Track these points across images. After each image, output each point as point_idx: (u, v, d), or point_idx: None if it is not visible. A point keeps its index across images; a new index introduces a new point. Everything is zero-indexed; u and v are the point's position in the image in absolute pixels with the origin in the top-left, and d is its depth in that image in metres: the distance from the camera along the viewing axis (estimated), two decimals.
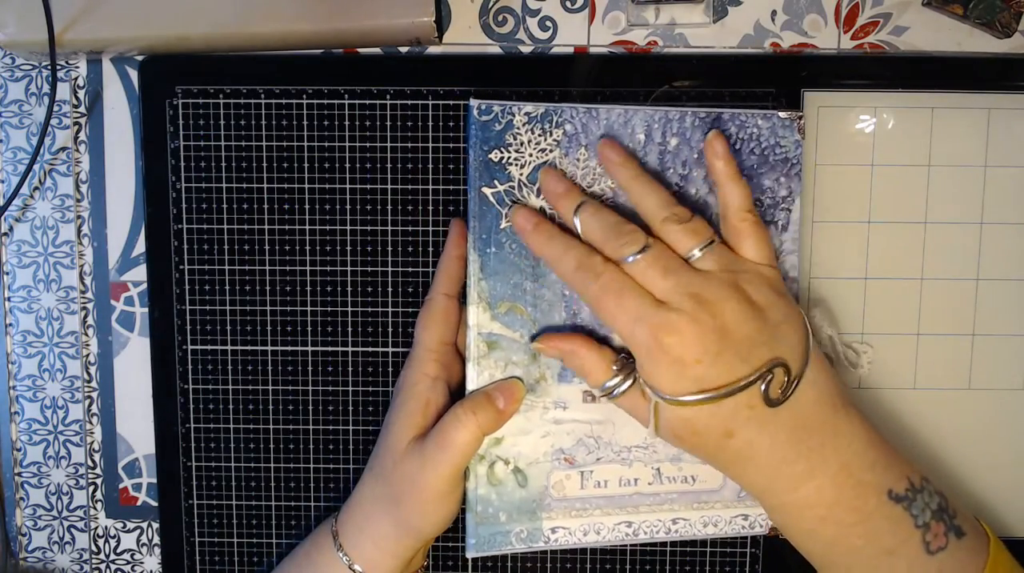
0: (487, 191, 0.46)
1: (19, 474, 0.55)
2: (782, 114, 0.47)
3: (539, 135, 0.46)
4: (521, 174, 0.46)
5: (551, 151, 0.46)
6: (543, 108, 0.46)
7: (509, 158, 0.46)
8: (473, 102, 0.45)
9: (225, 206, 0.52)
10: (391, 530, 0.46)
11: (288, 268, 0.52)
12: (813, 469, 0.42)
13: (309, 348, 0.52)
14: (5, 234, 0.54)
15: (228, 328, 0.53)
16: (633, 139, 0.46)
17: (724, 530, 0.48)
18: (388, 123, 0.51)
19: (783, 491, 0.43)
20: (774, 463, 0.42)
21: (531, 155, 0.46)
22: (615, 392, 0.44)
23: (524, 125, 0.46)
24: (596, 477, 0.47)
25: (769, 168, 0.47)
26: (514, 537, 0.47)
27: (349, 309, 0.52)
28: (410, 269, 0.52)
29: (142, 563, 0.56)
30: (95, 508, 0.55)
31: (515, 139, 0.46)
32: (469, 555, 0.46)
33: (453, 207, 0.51)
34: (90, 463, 0.55)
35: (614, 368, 0.44)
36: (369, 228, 0.52)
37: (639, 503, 0.47)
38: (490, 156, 0.46)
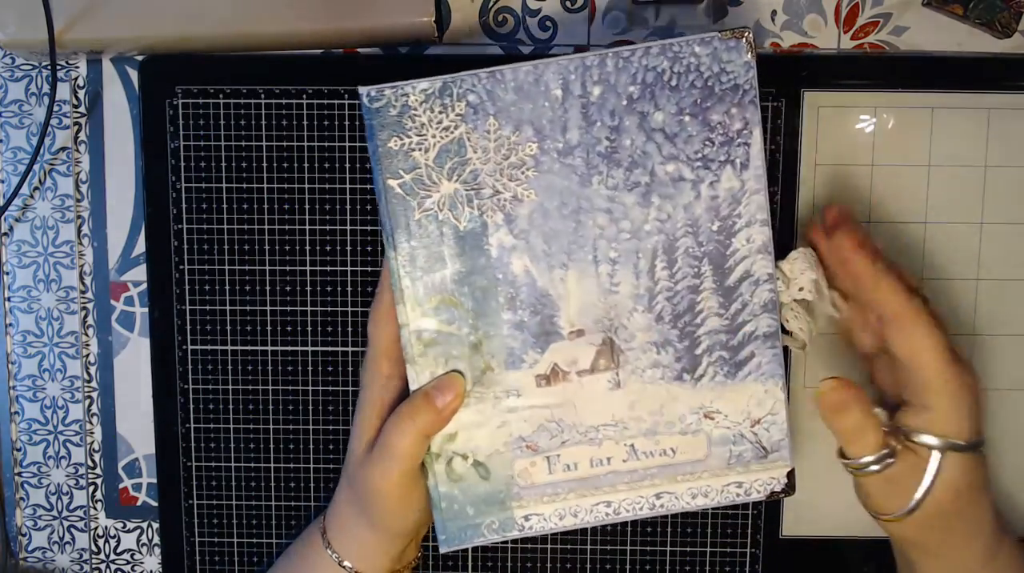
0: (393, 183, 0.43)
1: (19, 474, 0.55)
2: (722, 34, 0.42)
3: (440, 112, 0.42)
4: (427, 159, 0.43)
5: (456, 128, 0.43)
6: (439, 82, 0.42)
7: (410, 143, 0.43)
8: (362, 90, 0.42)
9: (225, 206, 0.52)
10: (368, 533, 0.46)
11: (288, 268, 0.52)
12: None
13: (309, 348, 0.52)
14: (5, 234, 0.54)
15: (228, 328, 0.53)
16: (549, 96, 0.42)
17: (716, 500, 0.46)
18: None
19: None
20: None
21: (434, 136, 0.43)
22: (885, 461, 0.41)
23: (421, 104, 0.42)
24: (564, 461, 0.45)
25: (717, 100, 0.42)
26: (485, 529, 0.45)
27: (348, 309, 0.52)
28: None
29: (142, 563, 0.56)
30: (95, 508, 0.55)
31: (414, 122, 0.42)
32: (443, 550, 0.46)
33: None
34: (90, 463, 0.55)
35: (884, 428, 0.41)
36: (369, 228, 0.52)
37: (615, 481, 0.45)
38: (389, 145, 0.43)
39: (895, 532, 0.43)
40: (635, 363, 0.44)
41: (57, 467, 0.55)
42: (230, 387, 0.53)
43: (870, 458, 0.40)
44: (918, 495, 0.40)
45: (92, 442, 0.55)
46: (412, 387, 0.44)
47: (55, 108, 0.53)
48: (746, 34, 0.42)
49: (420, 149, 0.43)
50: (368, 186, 0.52)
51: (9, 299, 0.54)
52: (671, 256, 0.43)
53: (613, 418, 0.45)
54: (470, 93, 0.42)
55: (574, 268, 0.44)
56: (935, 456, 0.40)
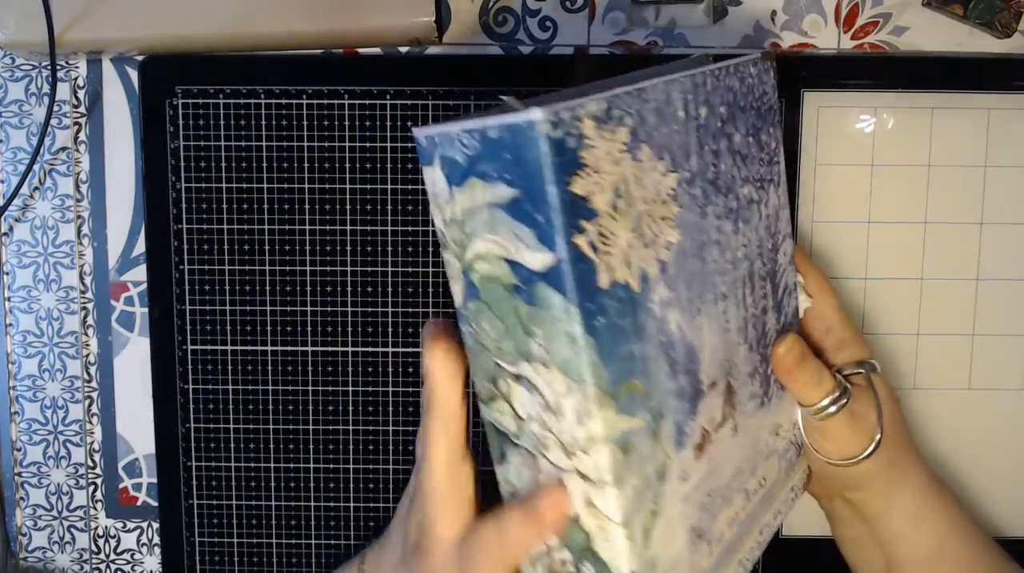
0: (581, 242, 0.31)
1: (19, 474, 0.55)
2: (761, 57, 0.41)
3: (609, 141, 0.33)
4: (604, 203, 0.32)
5: (621, 161, 0.33)
6: (604, 103, 0.32)
7: (590, 185, 0.32)
8: (536, 114, 0.29)
9: (225, 206, 0.52)
10: None
11: (288, 268, 0.52)
12: None
13: (309, 348, 0.52)
14: (5, 234, 0.54)
15: (228, 328, 0.53)
16: (677, 118, 0.36)
17: (785, 512, 0.44)
18: (388, 123, 0.51)
19: None
20: None
21: (608, 173, 0.32)
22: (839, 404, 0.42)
23: (594, 130, 0.32)
24: (716, 535, 0.38)
25: (764, 120, 0.41)
26: None
27: (349, 309, 0.52)
28: (410, 269, 0.52)
29: (142, 563, 0.56)
30: (95, 508, 0.55)
31: (591, 155, 0.32)
32: None
33: None
34: (90, 463, 0.55)
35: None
36: (369, 228, 0.52)
37: (742, 535, 0.40)
38: (573, 189, 0.31)
39: (861, 477, 0.44)
40: (743, 401, 0.40)
41: (57, 467, 0.55)
42: (230, 387, 0.53)
43: (833, 396, 0.42)
44: (876, 418, 0.42)
45: (92, 442, 0.55)
46: (616, 516, 0.33)
47: (55, 108, 0.53)
48: (773, 58, 0.42)
49: (598, 191, 0.32)
50: (368, 186, 0.52)
51: (9, 299, 0.54)
52: (752, 281, 0.41)
53: (736, 467, 0.40)
54: (627, 115, 0.34)
55: (705, 312, 0.37)
56: (871, 378, 0.43)
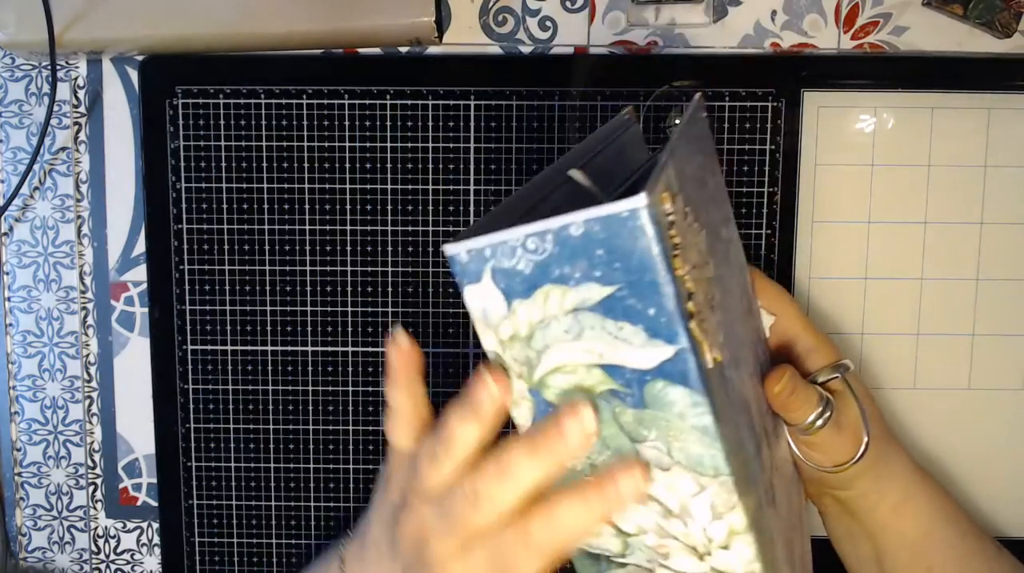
0: (693, 327, 0.29)
1: (19, 474, 0.55)
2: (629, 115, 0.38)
3: (681, 213, 0.30)
4: (690, 278, 0.30)
5: (688, 230, 0.31)
6: (672, 171, 0.30)
7: (681, 262, 0.29)
8: (640, 201, 0.27)
9: (225, 206, 0.52)
10: None
11: (288, 268, 0.52)
12: None
13: (309, 348, 0.52)
14: (5, 234, 0.54)
15: (228, 328, 0.53)
16: (695, 177, 0.33)
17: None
18: (388, 123, 0.51)
19: None
20: None
21: (686, 246, 0.30)
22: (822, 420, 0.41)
23: (671, 204, 0.29)
24: None
25: (713, 161, 0.38)
26: None
27: (349, 309, 0.52)
28: (410, 269, 0.52)
29: (142, 563, 0.56)
30: (95, 508, 0.55)
31: (678, 232, 0.29)
32: None
33: (453, 207, 0.51)
34: (90, 463, 0.55)
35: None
36: (369, 228, 0.52)
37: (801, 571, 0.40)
38: (678, 272, 0.29)
39: (849, 477, 0.44)
40: (773, 440, 0.40)
41: (57, 467, 0.55)
42: (230, 387, 0.53)
43: (818, 411, 0.41)
44: (861, 422, 0.42)
45: (92, 442, 0.55)
46: None
47: (55, 108, 0.53)
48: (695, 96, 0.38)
49: (687, 267, 0.29)
50: (368, 186, 0.52)
51: (9, 299, 0.54)
52: (746, 317, 0.40)
53: (786, 505, 0.39)
54: (674, 179, 0.30)
55: (743, 360, 0.36)
56: (848, 381, 0.43)
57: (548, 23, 0.52)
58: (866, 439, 0.42)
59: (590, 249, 0.28)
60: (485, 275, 0.30)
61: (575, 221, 0.28)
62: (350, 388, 0.53)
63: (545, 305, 0.29)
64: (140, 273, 0.53)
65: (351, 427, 0.53)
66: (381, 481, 0.40)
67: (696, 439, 0.30)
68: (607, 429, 0.31)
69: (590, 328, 0.29)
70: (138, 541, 0.55)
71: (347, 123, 0.51)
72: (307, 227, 0.52)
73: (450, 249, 0.30)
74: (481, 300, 0.30)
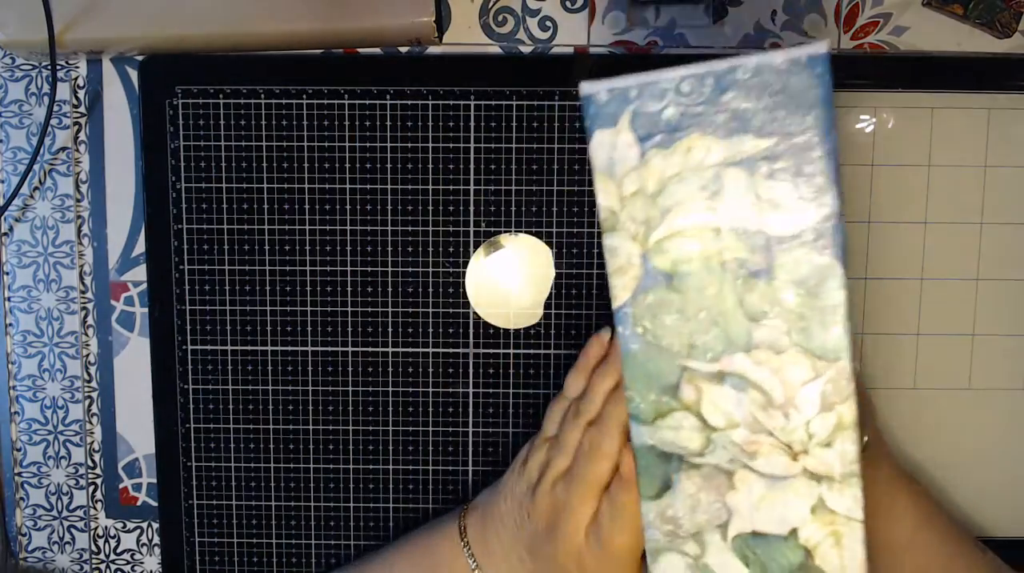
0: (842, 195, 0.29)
1: (19, 474, 0.55)
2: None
3: None
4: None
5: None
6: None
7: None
8: (822, 46, 0.26)
9: (225, 206, 0.52)
10: None
11: (288, 268, 0.52)
12: None
13: (309, 348, 0.52)
14: (5, 234, 0.54)
15: (228, 328, 0.52)
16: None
17: None
18: (388, 123, 0.51)
19: None
20: None
21: None
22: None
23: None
24: None
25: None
26: None
27: (349, 309, 0.52)
28: (410, 269, 0.52)
29: (142, 563, 0.56)
30: (95, 508, 0.55)
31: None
32: None
33: (453, 208, 0.51)
34: (90, 463, 0.55)
35: None
36: (369, 228, 0.52)
37: None
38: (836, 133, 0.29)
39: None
40: None
41: (57, 467, 0.55)
42: (230, 387, 0.53)
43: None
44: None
45: (92, 442, 0.55)
46: (857, 511, 0.32)
47: (55, 108, 0.53)
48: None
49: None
50: (368, 186, 0.51)
51: (9, 299, 0.54)
52: None
53: None
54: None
55: None
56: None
57: (548, 23, 0.52)
58: (865, 438, 0.42)
59: (754, 96, 0.26)
60: (623, 119, 0.28)
61: (744, 64, 0.26)
62: (350, 388, 0.53)
63: (687, 157, 0.27)
64: (140, 273, 0.53)
65: (351, 427, 0.53)
66: (518, 464, 0.45)
67: (824, 318, 0.28)
68: (722, 304, 0.29)
69: (732, 186, 0.27)
70: (138, 541, 0.55)
71: (347, 123, 0.51)
72: (307, 227, 0.52)
73: (587, 87, 0.28)
74: (610, 147, 0.28)
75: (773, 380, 0.29)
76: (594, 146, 0.28)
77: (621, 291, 0.30)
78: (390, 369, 0.52)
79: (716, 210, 0.28)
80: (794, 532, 0.31)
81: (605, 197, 0.29)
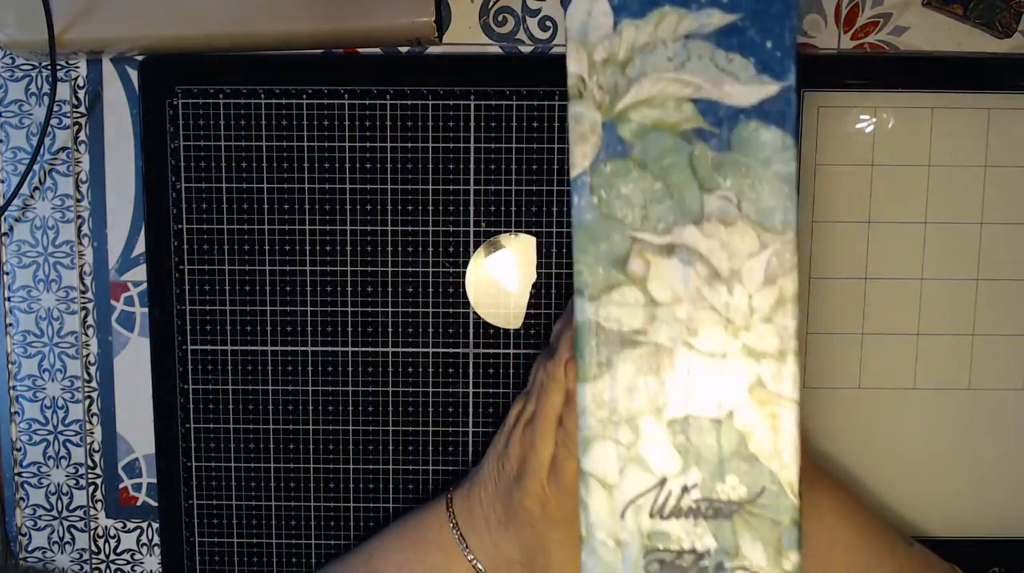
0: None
1: (19, 474, 0.55)
2: None
3: None
4: None
5: None
6: None
7: None
8: None
9: (225, 206, 0.52)
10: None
11: (288, 268, 0.52)
12: None
13: (309, 348, 0.52)
14: (5, 234, 0.54)
15: (228, 328, 0.52)
16: None
17: None
18: (388, 123, 0.51)
19: None
20: None
21: None
22: None
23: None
24: None
25: None
26: None
27: (349, 309, 0.52)
28: (410, 269, 0.52)
29: (142, 563, 0.56)
30: (95, 508, 0.55)
31: None
32: None
33: (453, 207, 0.51)
34: (90, 463, 0.55)
35: None
36: (369, 228, 0.52)
37: None
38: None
39: None
40: None
41: (57, 467, 0.55)
42: (230, 387, 0.53)
43: None
44: None
45: (92, 442, 0.55)
46: (792, 390, 0.32)
47: (55, 108, 0.53)
48: None
49: None
50: (368, 186, 0.51)
51: (9, 299, 0.54)
52: None
53: None
54: None
55: None
56: None
57: (548, 23, 0.51)
58: None
59: None
60: None
61: None
62: (350, 388, 0.53)
63: (657, 28, 0.29)
64: (140, 273, 0.53)
65: (351, 427, 0.53)
66: (497, 450, 0.45)
67: (774, 189, 0.29)
68: (677, 175, 0.30)
69: (697, 57, 0.29)
70: (138, 541, 0.55)
71: (347, 123, 0.51)
72: (307, 227, 0.52)
73: None
74: (586, 14, 0.30)
75: (720, 253, 0.30)
76: (571, 13, 0.30)
77: (581, 159, 0.31)
78: (390, 369, 0.52)
79: (680, 81, 0.29)
80: (730, 415, 0.32)
81: (576, 64, 0.31)
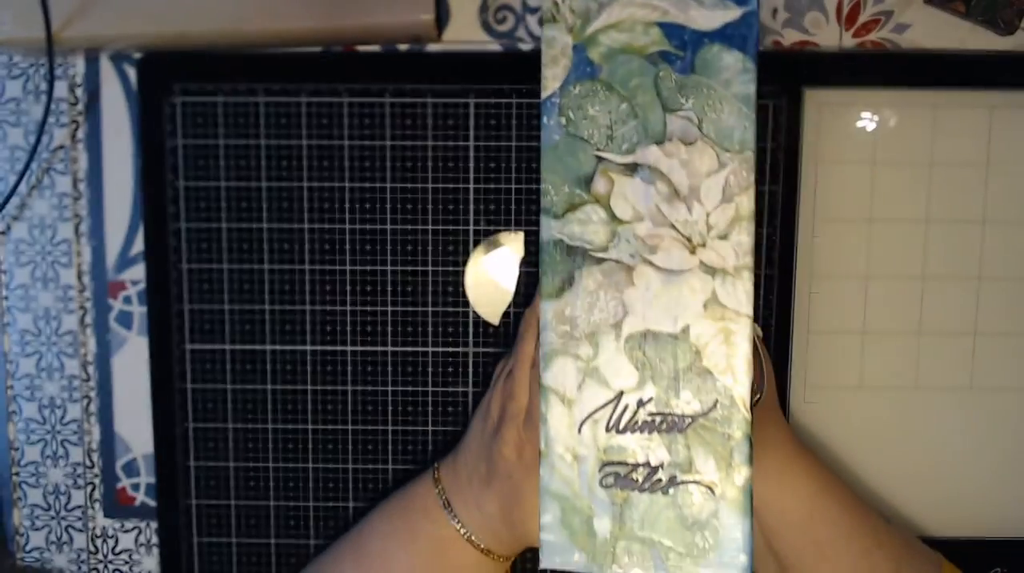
0: None
1: (17, 474, 0.55)
2: None
3: None
4: None
5: None
6: None
7: None
8: None
9: (224, 205, 0.52)
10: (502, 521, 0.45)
11: (288, 267, 0.52)
12: None
13: (308, 347, 0.52)
14: (3, 233, 0.54)
15: (227, 327, 0.52)
16: None
17: None
18: (388, 121, 0.51)
19: None
20: None
21: None
22: None
23: None
24: None
25: None
26: None
27: (349, 309, 0.52)
28: (410, 269, 0.52)
29: (140, 563, 0.55)
30: (93, 508, 0.55)
31: None
32: None
33: (453, 206, 0.51)
34: (88, 463, 0.55)
35: None
36: (369, 227, 0.52)
37: None
38: None
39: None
40: None
41: (55, 467, 0.55)
42: (229, 386, 0.53)
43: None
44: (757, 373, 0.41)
45: (90, 441, 0.55)
46: (746, 305, 0.34)
47: (52, 106, 0.52)
48: None
49: None
50: (368, 185, 0.51)
51: (7, 298, 0.54)
52: None
53: None
54: None
55: None
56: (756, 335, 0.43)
57: None
58: (758, 396, 0.41)
59: None
60: None
61: None
62: (350, 388, 0.52)
63: None
64: (138, 272, 0.53)
65: (351, 427, 0.53)
66: (482, 409, 0.46)
67: (734, 110, 0.31)
68: (642, 96, 0.32)
69: None
70: (136, 541, 0.55)
71: (346, 121, 0.51)
72: (306, 226, 0.52)
73: None
74: None
75: (681, 171, 0.32)
76: None
77: (551, 81, 0.33)
78: (390, 369, 0.52)
79: (647, 5, 0.31)
80: (685, 330, 0.33)
81: None
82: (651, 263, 0.33)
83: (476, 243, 0.51)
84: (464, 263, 0.51)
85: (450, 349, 0.52)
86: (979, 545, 0.53)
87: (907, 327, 0.52)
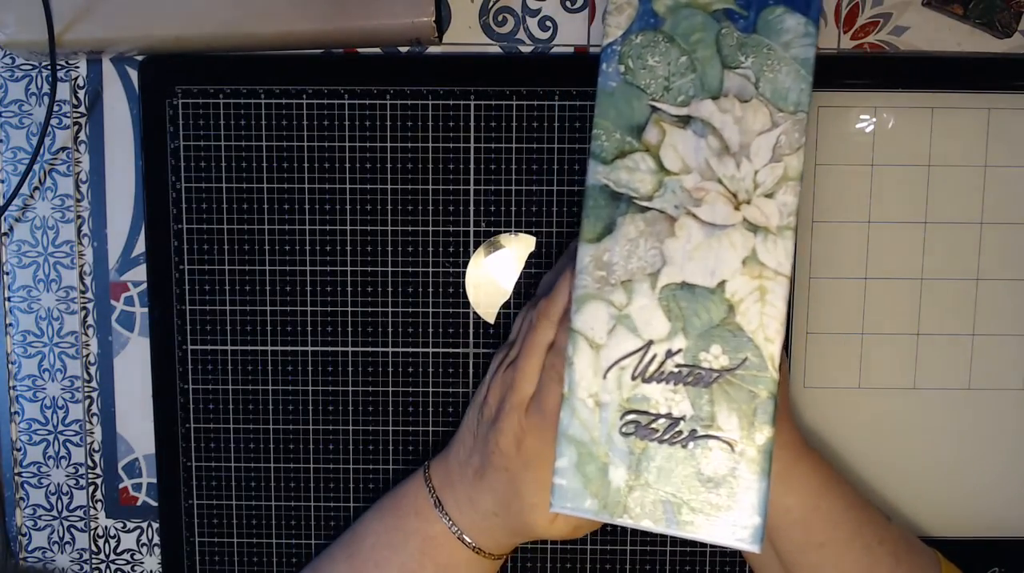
0: None
1: (19, 474, 0.55)
2: None
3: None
4: None
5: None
6: None
7: None
8: None
9: (225, 206, 0.52)
10: (498, 514, 0.45)
11: (288, 268, 0.52)
12: None
13: (309, 348, 0.52)
14: (5, 234, 0.54)
15: (228, 328, 0.52)
16: None
17: None
18: (388, 123, 0.51)
19: None
20: None
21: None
22: None
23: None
24: None
25: None
26: None
27: (349, 309, 0.52)
28: (410, 269, 0.52)
29: (142, 563, 0.56)
30: (95, 508, 0.55)
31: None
32: None
33: (453, 208, 0.51)
34: (90, 463, 0.55)
35: None
36: (369, 228, 0.52)
37: None
38: None
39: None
40: None
41: (57, 467, 0.55)
42: (230, 387, 0.53)
43: None
44: None
45: (92, 442, 0.55)
46: (786, 265, 0.34)
47: (55, 108, 0.53)
48: None
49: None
50: (368, 186, 0.51)
51: (9, 299, 0.54)
52: None
53: None
54: None
55: None
56: None
57: (548, 23, 0.51)
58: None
59: None
60: None
61: None
62: (350, 388, 0.53)
63: None
64: (140, 273, 0.53)
65: (351, 427, 0.53)
66: (476, 402, 0.46)
67: (792, 72, 0.32)
68: (703, 51, 0.32)
69: None
70: (138, 541, 0.55)
71: (347, 123, 0.51)
72: (307, 227, 0.52)
73: None
74: None
75: (733, 128, 0.33)
76: None
77: (614, 30, 0.34)
78: (390, 369, 0.52)
79: None
80: (722, 285, 0.33)
81: None
82: (694, 216, 0.33)
83: (476, 244, 0.52)
84: (464, 264, 0.52)
85: (450, 350, 0.52)
86: (978, 545, 0.53)
87: (906, 328, 0.52)
